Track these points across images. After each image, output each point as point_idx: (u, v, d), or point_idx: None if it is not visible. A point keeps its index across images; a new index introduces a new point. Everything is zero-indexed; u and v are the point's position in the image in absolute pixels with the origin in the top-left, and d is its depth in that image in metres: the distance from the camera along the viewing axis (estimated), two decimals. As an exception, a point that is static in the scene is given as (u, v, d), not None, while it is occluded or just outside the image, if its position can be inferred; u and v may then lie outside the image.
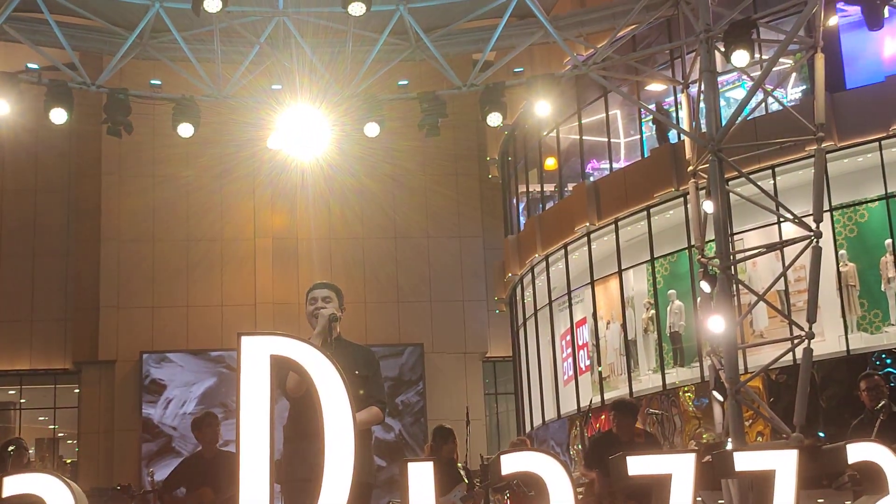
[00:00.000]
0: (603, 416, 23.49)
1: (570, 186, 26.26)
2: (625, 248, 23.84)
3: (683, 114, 17.23)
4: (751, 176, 15.64)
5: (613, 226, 23.85)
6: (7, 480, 4.45)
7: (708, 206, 14.62)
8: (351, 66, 15.96)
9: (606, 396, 23.82)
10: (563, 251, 25.74)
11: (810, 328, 13.82)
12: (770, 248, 16.62)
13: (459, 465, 11.57)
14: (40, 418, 31.99)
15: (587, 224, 24.21)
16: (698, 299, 17.39)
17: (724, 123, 14.72)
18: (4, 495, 4.42)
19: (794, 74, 20.46)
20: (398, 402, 29.41)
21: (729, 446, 13.32)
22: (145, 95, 15.83)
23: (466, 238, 31.85)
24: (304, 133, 15.96)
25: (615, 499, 10.22)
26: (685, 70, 16.82)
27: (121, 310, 29.94)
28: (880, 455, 5.11)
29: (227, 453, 10.31)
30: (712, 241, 14.68)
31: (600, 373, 24.42)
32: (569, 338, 26.09)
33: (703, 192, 15.02)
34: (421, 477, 4.48)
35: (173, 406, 29.31)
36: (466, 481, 10.97)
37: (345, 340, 6.79)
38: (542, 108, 15.77)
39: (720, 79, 17.22)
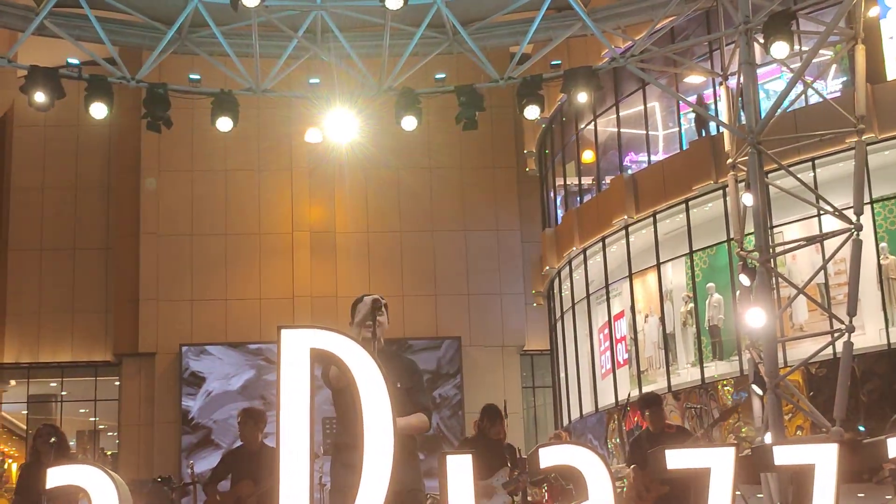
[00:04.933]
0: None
1: (607, 179, 26.16)
2: (663, 241, 23.72)
3: (722, 106, 17.13)
4: (790, 168, 15.55)
5: (652, 219, 23.74)
6: (51, 472, 4.50)
7: (747, 199, 14.54)
8: (388, 59, 16.00)
9: (644, 390, 23.73)
10: (600, 244, 25.66)
11: (850, 321, 13.73)
12: (810, 241, 16.52)
13: (513, 446, 11.56)
14: (81, 410, 32.27)
15: (625, 217, 24.12)
16: (737, 292, 17.31)
17: (763, 115, 14.64)
18: (48, 486, 4.48)
19: (834, 66, 20.27)
20: (436, 396, 29.41)
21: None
22: (184, 90, 15.92)
23: (504, 231, 31.81)
24: (341, 122, 16.07)
25: (650, 489, 10.31)
26: (724, 62, 16.72)
27: (160, 302, 30.13)
28: (922, 449, 5.07)
29: (271, 447, 10.34)
30: (752, 233, 14.61)
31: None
32: (606, 331, 26.02)
33: (742, 184, 14.96)
34: (460, 470, 4.49)
35: (213, 398, 29.46)
36: (510, 464, 10.96)
37: (387, 350, 6.79)
38: (579, 100, 15.73)
39: (760, 71, 17.11)
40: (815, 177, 19.51)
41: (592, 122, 26.49)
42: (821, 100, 16.77)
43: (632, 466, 10.82)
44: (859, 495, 12.27)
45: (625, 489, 11.31)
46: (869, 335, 19.49)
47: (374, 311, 6.54)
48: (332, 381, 6.34)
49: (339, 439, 6.51)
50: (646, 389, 23.61)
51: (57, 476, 4.49)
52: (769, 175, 15.34)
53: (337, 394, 6.49)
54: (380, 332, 6.67)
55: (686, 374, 23.29)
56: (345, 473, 6.22)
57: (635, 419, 23.37)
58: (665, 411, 11.90)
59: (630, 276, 24.74)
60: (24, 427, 31.81)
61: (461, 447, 14.25)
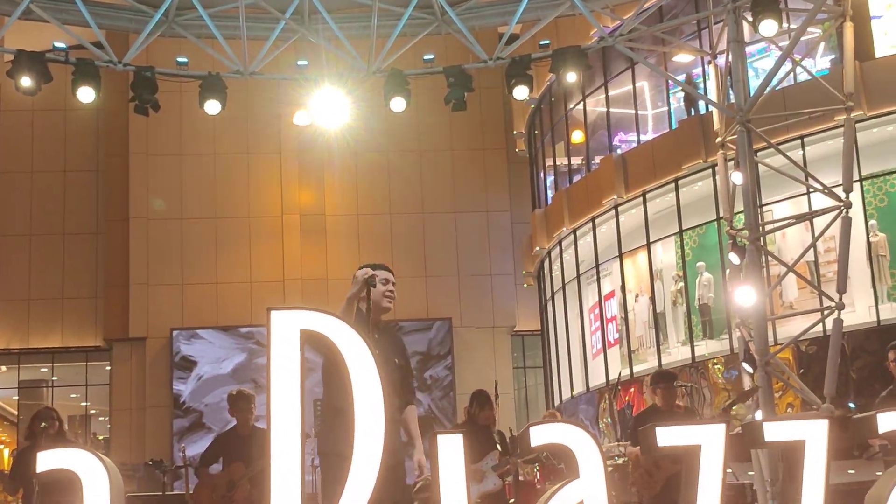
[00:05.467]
0: (632, 389, 23.49)
1: (597, 159, 26.15)
2: (653, 220, 23.75)
3: (711, 84, 17.11)
4: (780, 146, 15.56)
5: (641, 198, 23.75)
6: (41, 455, 4.49)
7: (737, 178, 14.55)
8: (376, 41, 15.93)
9: (635, 369, 23.81)
10: (590, 224, 25.67)
11: (840, 299, 13.75)
12: (799, 218, 16.55)
13: (502, 431, 11.57)
14: (72, 396, 32.24)
15: (615, 197, 24.13)
16: (727, 271, 17.33)
17: (752, 94, 14.63)
18: (39, 470, 4.46)
19: (822, 43, 20.26)
20: (427, 377, 29.48)
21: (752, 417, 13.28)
22: (172, 73, 15.85)
23: (494, 212, 31.81)
24: (330, 104, 16.00)
25: (661, 466, 10.19)
26: (713, 40, 16.69)
27: (150, 287, 30.10)
28: (911, 425, 5.08)
29: (262, 430, 10.34)
30: (741, 212, 14.62)
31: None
32: (597, 311, 26.05)
33: (731, 163, 14.95)
34: (451, 449, 4.49)
35: (204, 382, 29.46)
36: (500, 448, 10.97)
37: (385, 327, 6.77)
38: (568, 80, 15.68)
39: (748, 49, 17.08)
40: (804, 155, 19.53)
41: (581, 102, 26.47)
42: (809, 78, 16.77)
43: (639, 446, 10.57)
44: (849, 471, 12.31)
45: (629, 469, 11.23)
46: (859, 312, 19.54)
47: (367, 285, 6.31)
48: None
49: (338, 403, 6.29)
50: (636, 369, 23.70)
51: (47, 460, 4.49)
52: (758, 153, 15.33)
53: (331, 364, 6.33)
54: (387, 302, 6.65)
55: (676, 353, 23.36)
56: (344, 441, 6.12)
57: (626, 398, 23.43)
58: (677, 390, 11.72)
59: (620, 256, 24.77)
60: (16, 413, 31.80)
61: (451, 432, 14.21)
